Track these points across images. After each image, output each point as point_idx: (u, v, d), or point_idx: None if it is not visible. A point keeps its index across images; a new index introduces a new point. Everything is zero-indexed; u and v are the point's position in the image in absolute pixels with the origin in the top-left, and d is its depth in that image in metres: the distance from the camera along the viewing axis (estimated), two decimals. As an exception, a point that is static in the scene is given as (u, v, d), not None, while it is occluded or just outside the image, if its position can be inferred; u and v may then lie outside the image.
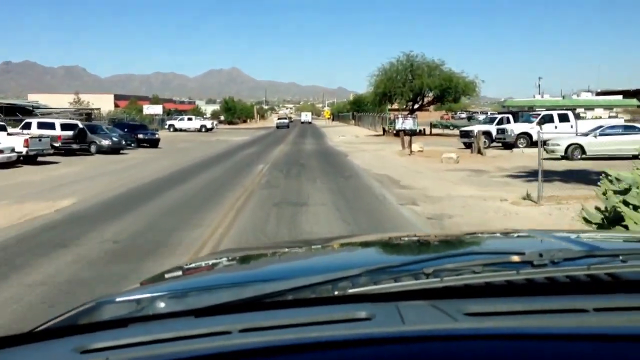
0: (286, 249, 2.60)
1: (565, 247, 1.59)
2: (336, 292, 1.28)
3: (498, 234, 2.63)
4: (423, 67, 43.60)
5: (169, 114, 79.54)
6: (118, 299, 1.51)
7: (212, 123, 72.77)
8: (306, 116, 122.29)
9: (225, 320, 1.17)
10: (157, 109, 69.35)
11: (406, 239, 2.79)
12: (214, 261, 2.37)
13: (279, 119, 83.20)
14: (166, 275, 2.03)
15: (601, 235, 3.00)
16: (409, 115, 43.98)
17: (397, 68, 44.44)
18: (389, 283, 1.29)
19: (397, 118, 43.39)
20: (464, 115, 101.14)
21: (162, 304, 1.40)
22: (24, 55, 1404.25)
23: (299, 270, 1.83)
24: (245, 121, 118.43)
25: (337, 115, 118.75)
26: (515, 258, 1.33)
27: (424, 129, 46.92)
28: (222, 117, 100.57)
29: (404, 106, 47.56)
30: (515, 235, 2.44)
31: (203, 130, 64.90)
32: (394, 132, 43.52)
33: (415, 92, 44.05)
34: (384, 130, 50.02)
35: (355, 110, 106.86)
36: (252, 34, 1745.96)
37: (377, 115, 67.69)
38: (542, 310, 1.17)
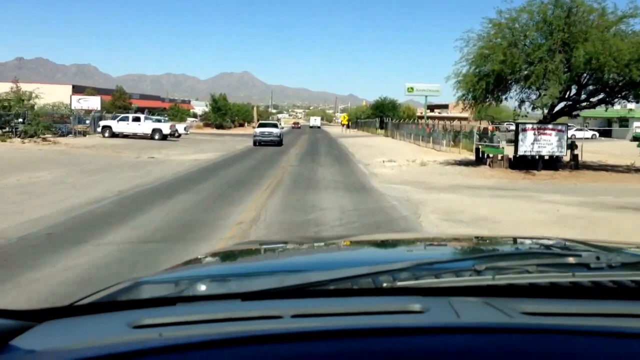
0: (324, 242, 2.50)
1: (621, 251, 1.55)
2: (384, 284, 1.22)
3: (547, 240, 2.29)
4: (589, 22, 19.09)
5: (126, 109, 55.62)
6: (160, 279, 1.46)
7: (185, 127, 49.02)
8: (315, 120, 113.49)
9: (274, 304, 1.15)
10: (93, 102, 45.21)
11: (450, 238, 2.77)
12: (248, 249, 2.29)
13: (260, 125, 42.55)
14: (202, 261, 1.98)
15: None
16: (552, 128, 19.51)
17: (527, 25, 20.04)
18: (438, 278, 1.22)
19: (524, 130, 20.43)
20: (512, 127, 75.83)
21: (203, 287, 1.34)
22: (36, 52, 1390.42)
23: (340, 262, 1.75)
24: (242, 125, 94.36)
25: (356, 122, 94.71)
26: (571, 260, 1.28)
27: (577, 156, 21.48)
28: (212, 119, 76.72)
29: (521, 108, 22.98)
30: (566, 241, 2.15)
31: (157, 137, 40.73)
32: (507, 159, 20.85)
33: (577, 74, 19.49)
34: (478, 154, 24.36)
35: (379, 116, 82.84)
36: (265, 39, 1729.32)
37: (422, 124, 43.31)
38: (601, 313, 1.11)
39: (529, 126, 19.79)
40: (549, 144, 19.29)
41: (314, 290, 1.22)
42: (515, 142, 19.86)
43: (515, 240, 2.44)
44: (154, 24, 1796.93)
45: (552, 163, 19.52)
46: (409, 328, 1.00)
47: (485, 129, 29.87)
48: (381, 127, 70.15)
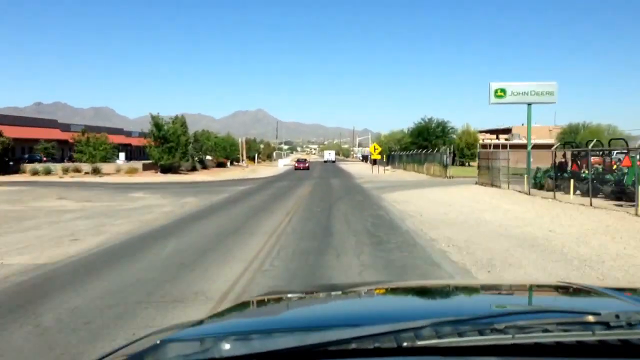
0: (343, 292, 2.46)
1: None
2: (404, 344, 1.21)
3: (563, 289, 2.35)
4: None
5: None
6: (182, 337, 1.48)
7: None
8: (329, 155, 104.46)
9: None
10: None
11: (467, 286, 2.66)
12: (270, 300, 2.32)
13: None
14: (226, 315, 2.01)
15: None
16: None
17: None
18: (457, 337, 1.22)
19: None
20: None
21: (227, 346, 1.32)
22: (54, 97, 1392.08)
23: (359, 317, 1.75)
24: (221, 165, 63.91)
25: (389, 155, 63.59)
26: (591, 318, 1.26)
27: None
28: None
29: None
30: (586, 292, 2.18)
31: None
32: None
33: None
34: None
35: (422, 145, 52.43)
36: (279, 76, 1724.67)
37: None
38: None
39: None
40: None
41: (334, 350, 1.20)
42: None
43: (533, 291, 2.37)
44: (170, 65, 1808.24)
45: None
46: None
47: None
48: (442, 164, 38.66)
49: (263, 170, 59.61)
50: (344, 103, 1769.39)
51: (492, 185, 25.43)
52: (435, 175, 38.51)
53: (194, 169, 51.42)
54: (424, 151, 47.90)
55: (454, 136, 65.53)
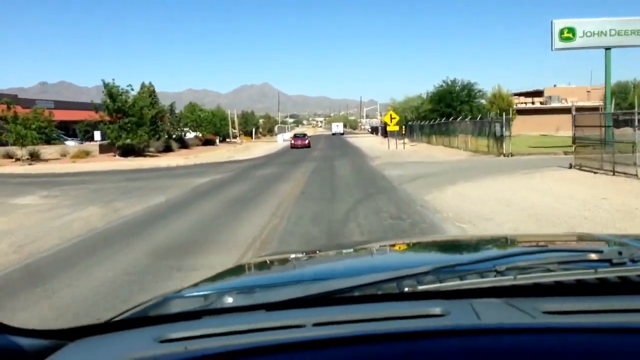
0: (342, 250, 2.48)
1: None
2: (406, 289, 1.20)
3: (570, 237, 2.34)
4: None
5: None
6: (186, 294, 1.48)
7: None
8: (337, 127, 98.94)
9: (297, 314, 1.15)
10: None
11: (469, 239, 2.59)
12: (273, 260, 2.28)
13: None
14: (229, 273, 1.97)
15: None
16: None
17: None
18: (458, 281, 1.20)
19: None
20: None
21: (230, 299, 1.34)
22: (59, 76, 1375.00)
23: (361, 269, 1.75)
24: (209, 142, 53.92)
25: (407, 126, 52.72)
26: (593, 256, 1.25)
27: None
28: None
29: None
30: (589, 236, 2.19)
31: None
32: None
33: None
34: None
35: (444, 112, 42.30)
36: (284, 49, 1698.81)
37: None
38: (623, 309, 1.09)
39: None
40: None
41: (336, 297, 1.21)
42: None
43: (535, 238, 2.33)
44: (174, 41, 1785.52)
45: None
46: (429, 331, 0.99)
47: None
48: (487, 134, 27.96)
49: (257, 149, 49.35)
50: (349, 74, 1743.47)
51: (613, 172, 14.98)
52: (480, 151, 27.98)
53: (167, 149, 41.27)
54: (459, 119, 37.25)
55: (483, 101, 54.69)
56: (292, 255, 2.33)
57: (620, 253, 1.21)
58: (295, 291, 1.25)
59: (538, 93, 70.07)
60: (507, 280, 1.17)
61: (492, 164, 21.14)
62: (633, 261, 1.20)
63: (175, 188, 16.68)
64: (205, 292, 1.46)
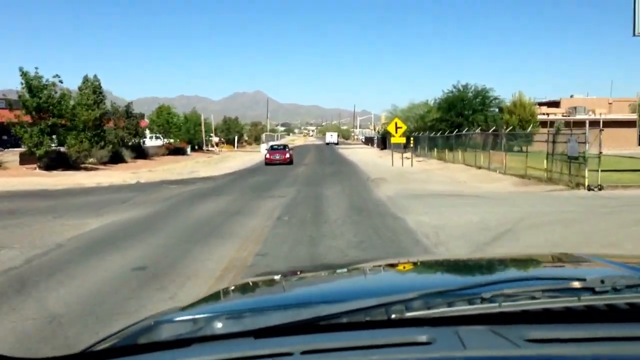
0: (332, 271, 2.49)
1: (627, 274, 1.54)
2: (393, 316, 1.22)
3: (554, 258, 2.35)
4: None
5: None
6: (176, 319, 1.46)
7: None
8: (331, 137, 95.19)
9: (285, 342, 1.15)
10: None
11: (457, 261, 2.68)
12: (263, 281, 2.29)
13: None
14: (219, 296, 1.99)
15: None
16: None
17: None
18: (446, 307, 1.23)
19: None
20: None
21: (220, 324, 1.33)
22: (50, 77, 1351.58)
23: (350, 293, 1.74)
24: (178, 151, 45.66)
25: (412, 137, 44.50)
26: (576, 284, 1.26)
27: None
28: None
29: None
30: (572, 260, 2.20)
31: None
32: None
33: None
34: None
35: (453, 123, 34.39)
36: (277, 57, 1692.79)
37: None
38: (605, 337, 1.10)
39: None
40: None
41: (325, 324, 1.21)
42: None
43: (523, 261, 2.39)
44: (166, 47, 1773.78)
45: None
46: None
47: None
48: (565, 156, 19.42)
49: (232, 160, 41.00)
50: (342, 84, 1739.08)
51: None
52: (532, 177, 19.41)
53: (116, 159, 32.73)
54: (490, 131, 28.86)
55: (496, 109, 46.73)
56: (282, 277, 2.27)
57: (602, 282, 1.21)
58: (284, 316, 1.25)
59: (554, 103, 62.42)
60: (493, 308, 1.18)
61: (597, 207, 12.54)
62: (615, 290, 1.21)
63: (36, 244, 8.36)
64: (196, 316, 1.44)
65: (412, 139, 33.05)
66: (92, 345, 1.34)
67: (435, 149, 37.52)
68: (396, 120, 31.38)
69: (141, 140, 39.54)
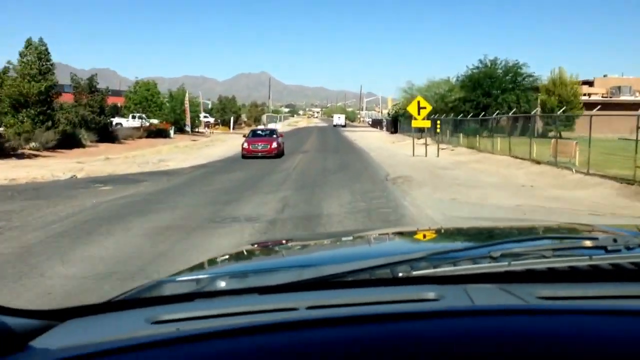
0: (337, 238, 2.41)
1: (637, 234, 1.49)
2: (400, 274, 1.18)
3: (564, 226, 2.24)
4: None
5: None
6: (180, 278, 1.45)
7: None
8: (339, 118, 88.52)
9: (290, 297, 1.14)
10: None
11: (467, 229, 2.47)
12: (267, 246, 2.25)
13: None
14: (222, 259, 1.94)
15: None
16: None
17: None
18: (454, 266, 1.19)
19: None
20: None
21: (223, 283, 1.32)
22: (55, 57, 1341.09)
23: (357, 255, 1.71)
24: (159, 133, 38.99)
25: (432, 119, 37.73)
26: (588, 243, 1.22)
27: None
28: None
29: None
30: (581, 226, 2.09)
31: None
32: None
33: None
34: None
35: (477, 102, 27.16)
36: (283, 38, 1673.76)
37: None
38: (618, 295, 1.08)
39: None
40: None
41: (330, 282, 1.18)
42: None
43: (531, 226, 2.26)
44: (172, 27, 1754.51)
45: None
46: (422, 313, 0.98)
47: None
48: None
49: (220, 146, 34.47)
50: (348, 66, 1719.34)
51: None
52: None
53: (71, 143, 26.18)
54: (535, 111, 22.05)
55: (529, 87, 39.79)
56: (286, 243, 2.22)
57: (615, 240, 1.18)
58: (289, 276, 1.23)
59: (586, 83, 55.33)
60: (501, 266, 1.14)
61: None
62: (628, 248, 1.17)
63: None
64: (199, 276, 1.42)
65: (438, 122, 26.32)
66: (116, 297, 1.29)
67: (462, 135, 30.83)
68: (419, 99, 24.68)
69: (110, 121, 32.78)
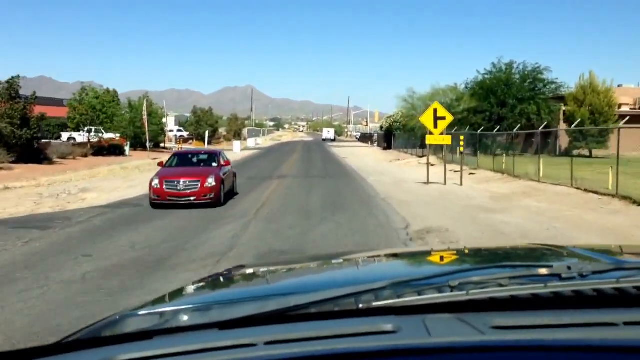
0: (306, 264, 2.44)
1: (594, 261, 1.55)
2: (360, 305, 1.20)
3: (523, 248, 2.37)
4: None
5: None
6: (141, 312, 1.43)
7: None
8: (328, 132, 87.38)
9: (249, 332, 1.13)
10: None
11: (428, 252, 2.63)
12: (234, 275, 2.18)
13: None
14: (187, 290, 1.91)
15: (629, 249, 2.38)
16: None
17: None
18: (414, 296, 1.21)
19: None
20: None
21: (185, 317, 1.31)
22: (38, 71, 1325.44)
23: (321, 284, 1.71)
24: (112, 150, 31.94)
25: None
26: (543, 271, 1.26)
27: None
28: None
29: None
30: (541, 248, 2.14)
31: None
32: None
33: None
34: None
35: (489, 113, 20.05)
36: (269, 52, 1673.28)
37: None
38: (570, 324, 1.09)
39: None
40: None
41: (292, 315, 1.19)
42: None
43: (493, 251, 2.33)
44: (157, 40, 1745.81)
45: None
46: (378, 351, 0.99)
47: None
48: None
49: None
50: (335, 79, 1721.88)
51: None
52: None
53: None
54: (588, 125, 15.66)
55: (554, 95, 33.56)
56: (255, 270, 2.22)
57: (569, 268, 1.21)
58: (251, 308, 1.23)
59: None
60: (460, 296, 1.16)
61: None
62: (581, 276, 1.20)
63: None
64: (161, 309, 1.40)
65: (462, 138, 19.84)
66: (68, 336, 1.26)
67: (479, 153, 24.42)
68: (436, 105, 18.18)
69: (37, 136, 25.60)
